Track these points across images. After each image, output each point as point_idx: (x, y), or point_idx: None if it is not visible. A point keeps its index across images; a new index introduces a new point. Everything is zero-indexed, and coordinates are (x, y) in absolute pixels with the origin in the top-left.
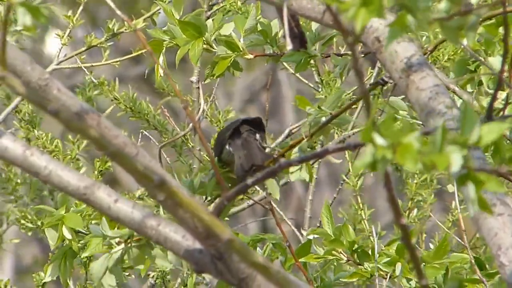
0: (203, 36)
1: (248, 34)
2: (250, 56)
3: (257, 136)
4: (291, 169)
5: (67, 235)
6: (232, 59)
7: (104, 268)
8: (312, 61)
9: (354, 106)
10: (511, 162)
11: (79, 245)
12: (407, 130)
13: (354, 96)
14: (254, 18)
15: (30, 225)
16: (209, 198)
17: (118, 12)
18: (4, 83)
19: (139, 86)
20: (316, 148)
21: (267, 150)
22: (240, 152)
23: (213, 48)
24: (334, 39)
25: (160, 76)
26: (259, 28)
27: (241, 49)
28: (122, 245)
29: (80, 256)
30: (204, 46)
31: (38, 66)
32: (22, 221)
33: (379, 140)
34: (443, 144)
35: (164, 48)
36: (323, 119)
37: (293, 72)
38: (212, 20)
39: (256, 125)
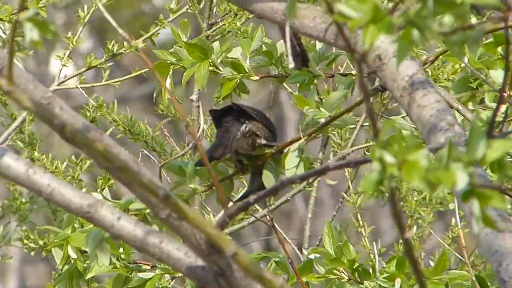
0: (209, 58)
1: (254, 55)
2: (256, 78)
3: (243, 126)
4: (287, 165)
5: (73, 254)
6: (238, 81)
7: None
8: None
9: (353, 126)
10: None
11: (84, 265)
12: (414, 147)
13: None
14: (259, 39)
15: (33, 245)
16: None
17: (121, 31)
18: (11, 97)
19: (145, 106)
20: (316, 166)
21: (262, 142)
22: (215, 141)
23: (219, 70)
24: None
25: (168, 98)
26: (264, 49)
27: (247, 71)
28: None
29: (85, 277)
30: (210, 68)
31: (40, 85)
32: (25, 241)
33: (388, 158)
34: (449, 161)
35: (171, 70)
36: (322, 120)
37: (294, 92)
38: (219, 43)
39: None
